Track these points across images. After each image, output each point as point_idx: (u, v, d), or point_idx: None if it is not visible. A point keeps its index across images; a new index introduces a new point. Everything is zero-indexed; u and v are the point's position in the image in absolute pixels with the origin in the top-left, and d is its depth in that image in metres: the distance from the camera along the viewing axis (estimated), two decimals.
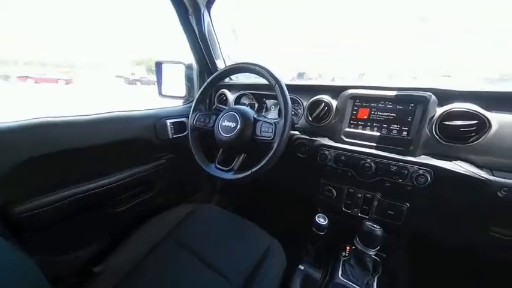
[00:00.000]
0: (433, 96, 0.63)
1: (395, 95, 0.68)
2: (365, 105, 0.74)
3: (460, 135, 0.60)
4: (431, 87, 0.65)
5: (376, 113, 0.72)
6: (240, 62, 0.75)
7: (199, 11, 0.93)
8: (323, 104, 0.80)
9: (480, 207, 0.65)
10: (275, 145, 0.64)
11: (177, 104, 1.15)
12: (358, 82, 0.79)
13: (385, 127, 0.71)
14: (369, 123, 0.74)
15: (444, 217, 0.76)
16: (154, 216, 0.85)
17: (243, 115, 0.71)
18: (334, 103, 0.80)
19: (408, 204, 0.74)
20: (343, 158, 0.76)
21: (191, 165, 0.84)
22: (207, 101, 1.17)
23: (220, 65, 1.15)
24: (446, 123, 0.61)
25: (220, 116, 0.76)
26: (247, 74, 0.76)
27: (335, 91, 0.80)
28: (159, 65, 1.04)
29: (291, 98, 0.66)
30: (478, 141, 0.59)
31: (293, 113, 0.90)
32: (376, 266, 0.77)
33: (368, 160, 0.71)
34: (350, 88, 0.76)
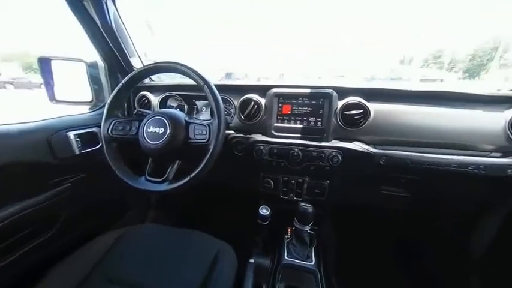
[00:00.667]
0: (335, 93, 0.79)
1: (309, 92, 0.81)
2: (287, 101, 0.84)
3: (354, 122, 0.79)
4: (332, 85, 0.81)
5: (297, 108, 0.83)
6: (163, 60, 0.68)
7: None
8: (253, 102, 0.85)
9: (372, 174, 0.87)
10: (211, 146, 0.63)
11: (81, 112, 0.92)
12: (280, 81, 0.89)
13: (305, 120, 0.83)
14: (292, 118, 0.84)
15: (352, 186, 0.98)
16: (70, 254, 0.66)
17: (173, 119, 0.66)
18: (262, 101, 0.86)
19: (328, 182, 0.90)
20: (276, 150, 0.84)
21: (112, 183, 0.70)
22: (125, 105, 1.00)
23: (137, 63, 1.01)
24: (346, 113, 0.78)
25: (144, 121, 0.68)
26: (171, 74, 0.70)
27: (261, 90, 0.87)
28: (45, 62, 0.80)
29: (222, 98, 0.67)
30: (364, 125, 0.79)
31: (226, 112, 0.91)
32: (312, 239, 0.90)
33: (296, 150, 0.81)
34: (274, 87, 0.84)
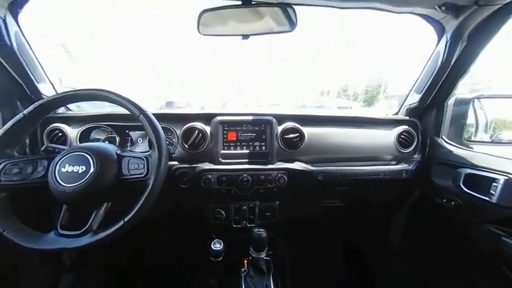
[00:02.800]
0: (274, 119, 0.87)
1: (252, 119, 0.87)
2: (232, 129, 0.86)
3: (293, 144, 0.88)
4: (271, 112, 0.90)
5: (241, 134, 0.87)
6: (87, 88, 0.60)
7: None
8: (197, 130, 0.83)
9: (313, 190, 0.96)
10: (151, 181, 0.55)
11: None
12: (223, 110, 0.92)
13: (250, 145, 0.87)
14: (238, 144, 0.86)
15: (299, 204, 1.04)
16: None
17: (99, 153, 0.56)
18: (208, 129, 0.85)
19: (278, 202, 0.93)
20: (224, 178, 0.82)
21: None
22: (27, 141, 0.79)
23: (47, 90, 0.85)
24: (286, 136, 0.87)
25: (56, 160, 0.55)
26: (98, 103, 0.62)
27: (205, 118, 0.87)
28: None
29: (162, 127, 0.62)
30: (301, 147, 0.88)
31: (168, 142, 0.84)
32: (269, 266, 0.88)
33: (245, 175, 0.82)
34: (218, 115, 0.86)
